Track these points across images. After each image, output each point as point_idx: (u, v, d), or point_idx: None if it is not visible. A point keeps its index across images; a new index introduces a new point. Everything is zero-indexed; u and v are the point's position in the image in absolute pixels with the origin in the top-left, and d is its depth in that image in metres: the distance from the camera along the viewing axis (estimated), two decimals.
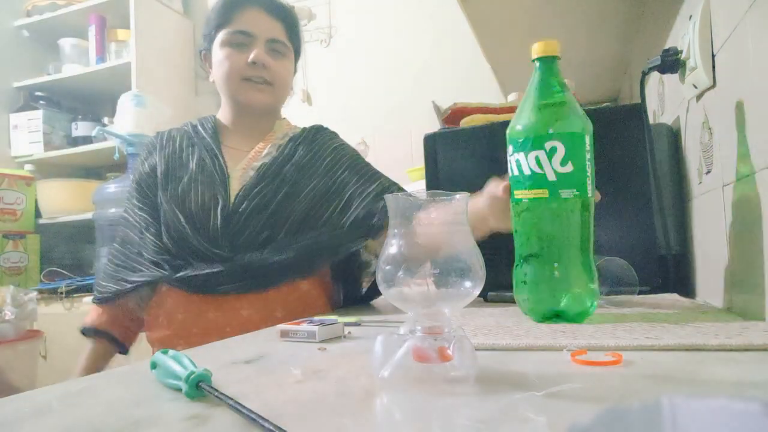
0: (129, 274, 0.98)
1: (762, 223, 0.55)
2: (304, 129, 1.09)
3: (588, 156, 0.61)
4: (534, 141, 0.60)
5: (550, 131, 0.59)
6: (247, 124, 1.05)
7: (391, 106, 2.13)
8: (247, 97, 1.00)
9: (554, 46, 0.62)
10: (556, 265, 0.60)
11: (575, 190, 0.59)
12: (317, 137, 1.07)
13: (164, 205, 0.97)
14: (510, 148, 0.63)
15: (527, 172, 0.60)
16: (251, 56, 0.98)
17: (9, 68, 2.38)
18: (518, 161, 0.62)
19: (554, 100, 0.62)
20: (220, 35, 1.00)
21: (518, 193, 0.63)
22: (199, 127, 1.06)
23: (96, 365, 0.99)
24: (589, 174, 0.61)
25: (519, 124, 0.62)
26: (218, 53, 1.00)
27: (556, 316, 0.60)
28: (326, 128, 1.12)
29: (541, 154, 0.59)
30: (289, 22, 1.05)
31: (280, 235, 0.94)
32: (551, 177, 0.59)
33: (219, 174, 0.97)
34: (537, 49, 0.63)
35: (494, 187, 0.71)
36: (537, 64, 0.63)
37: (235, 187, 0.97)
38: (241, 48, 0.99)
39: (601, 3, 1.12)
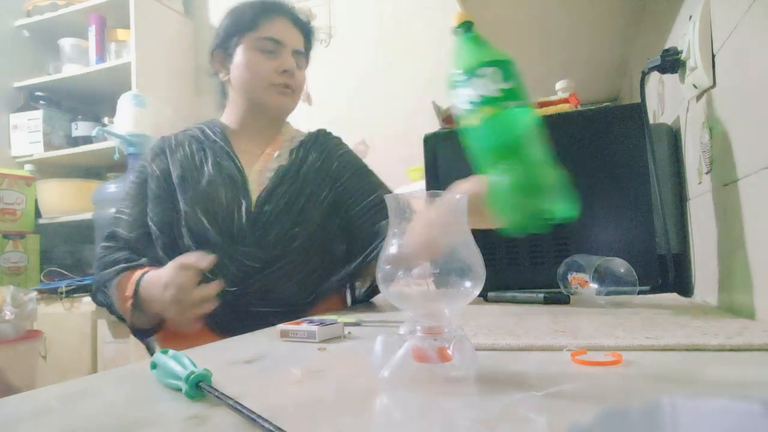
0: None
1: (761, 223, 0.55)
2: (311, 133, 1.12)
3: None
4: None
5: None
6: (256, 127, 1.07)
7: (391, 106, 2.13)
8: (273, 100, 1.03)
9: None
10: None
11: None
12: (325, 141, 1.10)
13: (185, 207, 0.98)
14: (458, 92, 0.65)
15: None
16: (285, 65, 1.02)
17: (9, 68, 2.38)
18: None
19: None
20: (248, 39, 1.02)
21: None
22: (208, 131, 1.07)
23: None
24: None
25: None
26: (245, 56, 1.02)
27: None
28: (330, 133, 1.15)
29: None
30: (309, 37, 1.10)
31: (304, 235, 0.98)
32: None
33: (238, 176, 1.00)
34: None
35: (469, 184, 0.71)
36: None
37: (254, 188, 1.00)
38: (270, 55, 1.02)
39: (601, 3, 1.12)
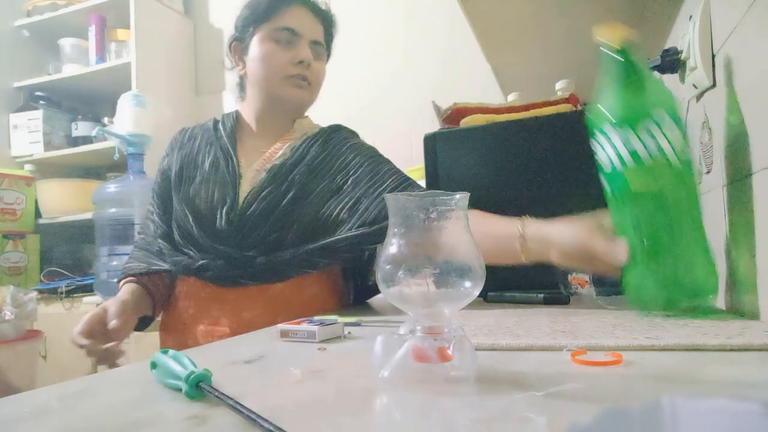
0: (152, 260, 1.03)
1: (763, 223, 0.55)
2: (322, 129, 1.07)
3: None
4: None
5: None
6: (273, 120, 1.04)
7: (391, 107, 2.13)
8: (289, 93, 1.00)
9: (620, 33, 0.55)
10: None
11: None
12: (333, 137, 1.05)
13: (176, 204, 1.00)
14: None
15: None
16: (301, 55, 0.98)
17: (9, 68, 2.38)
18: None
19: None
20: (264, 30, 0.99)
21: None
22: (220, 125, 1.06)
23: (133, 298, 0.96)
24: None
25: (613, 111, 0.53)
26: (260, 48, 0.99)
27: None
28: (344, 127, 1.10)
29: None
30: (328, 27, 1.06)
31: (289, 237, 0.94)
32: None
33: (231, 175, 0.98)
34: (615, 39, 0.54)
35: (595, 238, 0.66)
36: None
37: (245, 188, 0.97)
38: (286, 45, 0.98)
39: (601, 3, 1.12)
